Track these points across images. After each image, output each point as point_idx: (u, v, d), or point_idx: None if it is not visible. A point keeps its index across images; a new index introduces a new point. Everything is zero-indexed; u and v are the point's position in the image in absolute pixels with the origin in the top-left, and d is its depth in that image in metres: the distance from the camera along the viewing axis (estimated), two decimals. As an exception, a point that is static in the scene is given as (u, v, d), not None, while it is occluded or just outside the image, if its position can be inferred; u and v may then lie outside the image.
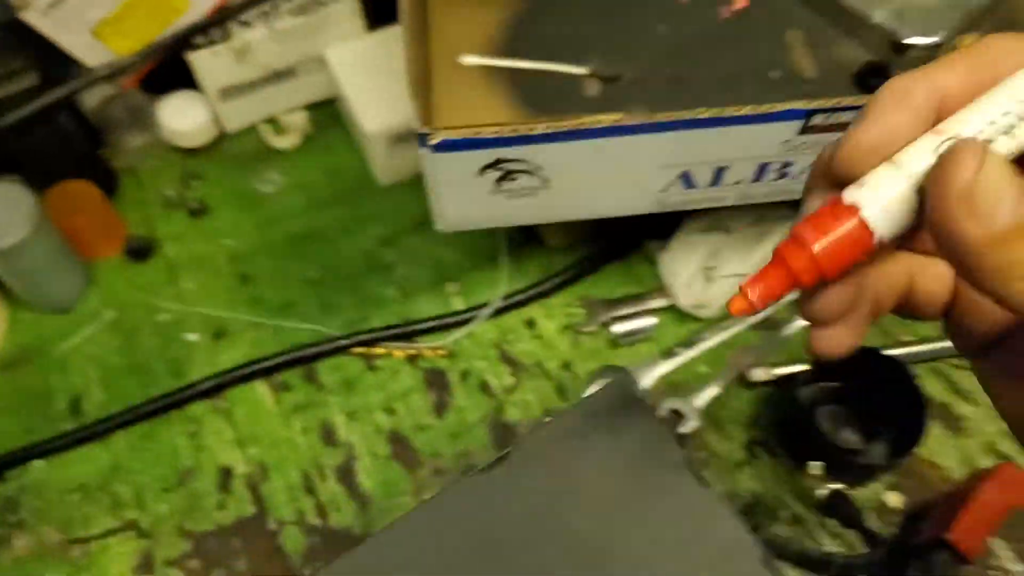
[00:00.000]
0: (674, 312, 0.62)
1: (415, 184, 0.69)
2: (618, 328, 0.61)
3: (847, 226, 0.21)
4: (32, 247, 0.57)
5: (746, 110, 0.44)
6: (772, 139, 0.47)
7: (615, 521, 0.35)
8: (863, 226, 0.21)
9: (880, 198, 0.21)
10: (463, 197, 0.49)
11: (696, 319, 0.62)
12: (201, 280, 0.65)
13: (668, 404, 0.58)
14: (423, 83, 0.50)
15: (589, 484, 0.36)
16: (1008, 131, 0.20)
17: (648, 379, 0.59)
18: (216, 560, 0.54)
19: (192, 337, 0.62)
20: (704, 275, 0.61)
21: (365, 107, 0.64)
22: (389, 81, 0.65)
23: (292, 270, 0.65)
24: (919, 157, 0.20)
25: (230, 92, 0.67)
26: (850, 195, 0.21)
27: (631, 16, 0.59)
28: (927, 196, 0.20)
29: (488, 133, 0.45)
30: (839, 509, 0.50)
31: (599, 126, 0.45)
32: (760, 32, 0.59)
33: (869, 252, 0.21)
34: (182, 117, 0.67)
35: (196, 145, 0.69)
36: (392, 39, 0.66)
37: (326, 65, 0.66)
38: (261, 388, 0.60)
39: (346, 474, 0.57)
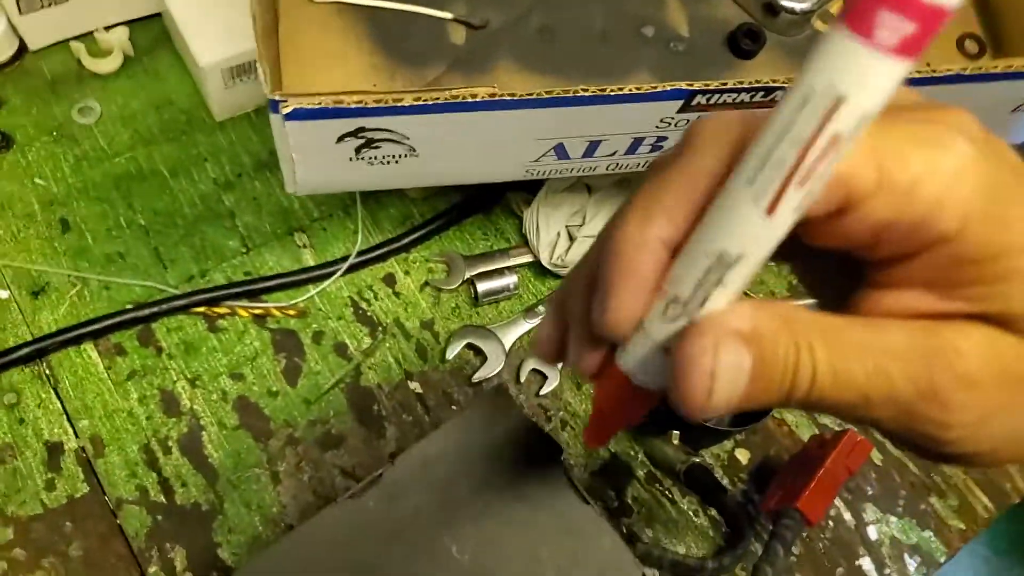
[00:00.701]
0: (536, 267, 0.61)
1: (255, 119, 0.63)
2: (481, 286, 0.59)
3: (620, 383, 0.25)
4: None
5: (629, 89, 0.42)
6: (652, 116, 0.45)
7: (494, 541, 0.35)
8: (628, 381, 0.25)
9: (636, 358, 0.24)
10: (319, 163, 0.45)
11: (557, 276, 0.62)
12: (11, 226, 0.57)
13: (530, 364, 0.58)
14: (271, 31, 0.44)
15: (468, 504, 0.36)
16: (718, 283, 0.21)
17: (511, 338, 0.59)
18: (45, 547, 0.50)
19: (3, 294, 0.55)
20: (568, 234, 0.60)
21: (198, 35, 0.56)
22: (224, 2, 0.57)
23: (119, 216, 0.58)
24: (657, 326, 0.23)
25: (32, 2, 0.57)
26: (619, 360, 0.25)
27: (501, -45, 0.55)
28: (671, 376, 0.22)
29: (350, 102, 0.40)
30: (699, 484, 0.52)
31: (473, 100, 0.41)
32: (634, -19, 0.56)
33: (638, 391, 0.25)
34: (-29, 30, 0.57)
35: (-8, 64, 0.59)
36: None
37: (151, -23, 0.58)
38: (90, 352, 0.55)
39: (191, 446, 0.53)
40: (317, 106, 0.40)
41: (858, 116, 0.18)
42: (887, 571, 0.56)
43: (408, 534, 0.34)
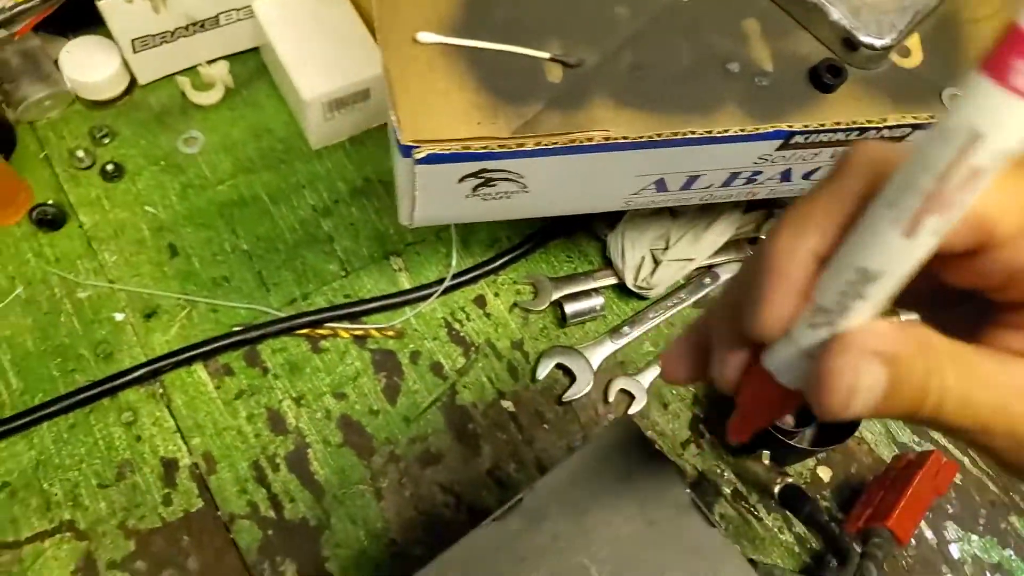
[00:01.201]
0: (620, 289, 0.64)
1: (350, 148, 0.65)
2: (568, 307, 0.61)
3: (764, 383, 0.27)
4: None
5: (734, 131, 0.44)
6: (751, 154, 0.47)
7: (628, 563, 0.37)
8: (771, 381, 0.26)
9: (781, 359, 0.26)
10: (439, 200, 0.47)
11: (640, 298, 0.64)
12: (124, 252, 0.59)
13: (618, 384, 0.60)
14: (400, 80, 0.47)
15: (601, 527, 0.37)
16: (859, 297, 0.23)
17: (598, 359, 0.61)
18: (164, 560, 0.52)
19: (119, 317, 0.58)
20: (652, 257, 0.62)
21: (301, 69, 0.59)
22: (323, 39, 0.60)
23: (224, 241, 0.61)
24: (802, 332, 0.25)
25: (145, 42, 0.60)
26: (765, 361, 0.27)
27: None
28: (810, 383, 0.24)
29: (477, 147, 0.43)
30: (793, 502, 0.53)
31: (589, 143, 0.43)
32: (718, 18, 0.58)
33: (779, 391, 0.27)
34: (88, 67, 0.60)
35: (105, 98, 0.62)
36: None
37: (252, 15, 0.60)
38: (200, 372, 0.57)
39: (298, 463, 0.55)
40: (446, 151, 0.42)
41: (993, 152, 0.19)
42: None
43: (550, 556, 0.36)
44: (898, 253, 0.21)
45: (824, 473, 0.60)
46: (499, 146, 0.42)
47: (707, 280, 0.65)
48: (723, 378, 0.29)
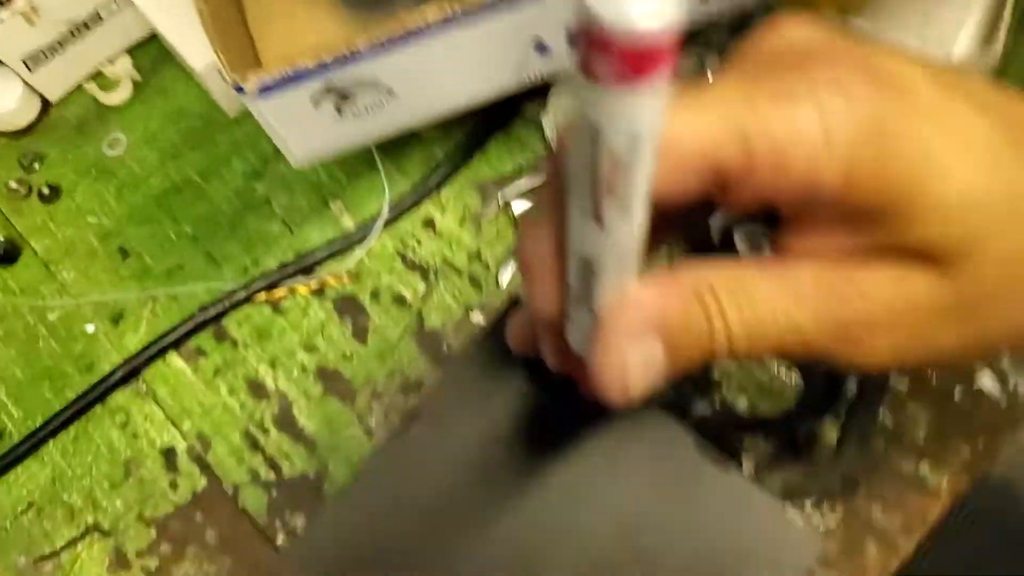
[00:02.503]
0: (567, 172, 0.61)
1: (270, 104, 0.64)
2: (518, 206, 0.59)
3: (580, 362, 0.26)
4: None
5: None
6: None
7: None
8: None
9: (576, 340, 0.26)
10: (309, 131, 0.46)
11: (591, 174, 0.60)
12: (79, 267, 0.61)
13: (581, 269, 0.58)
14: (223, 18, 0.45)
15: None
16: (594, 278, 0.22)
17: (556, 249, 0.58)
18: (184, 539, 0.54)
19: (90, 328, 0.60)
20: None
21: (186, 42, 0.58)
22: (204, 1, 0.59)
23: (167, 231, 0.61)
24: (574, 311, 0.25)
25: (37, 59, 0.60)
26: (569, 339, 0.26)
27: None
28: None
29: (307, 64, 0.41)
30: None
31: (426, 24, 0.41)
32: None
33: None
34: (-4, 98, 0.61)
35: (23, 125, 0.63)
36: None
37: (131, 2, 0.59)
38: (176, 360, 0.59)
39: (286, 422, 0.57)
40: (278, 77, 0.41)
41: (621, 138, 0.18)
42: (1011, 385, 0.52)
43: (459, 458, 0.36)
44: (600, 237, 0.21)
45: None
46: (331, 56, 0.40)
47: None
48: (549, 359, 0.29)
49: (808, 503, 0.49)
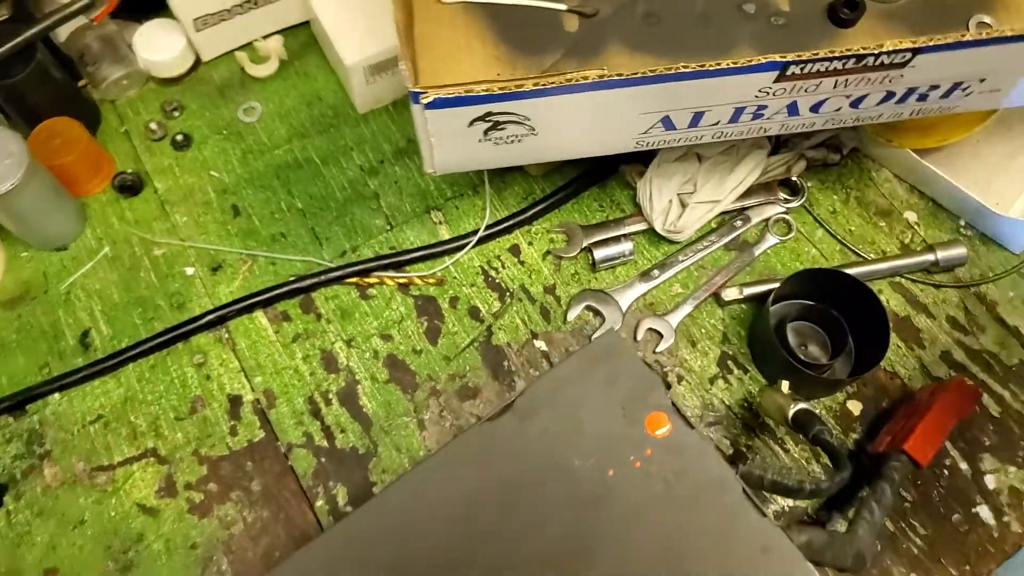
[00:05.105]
0: (650, 234, 0.66)
1: (393, 111, 0.70)
2: (598, 253, 0.64)
3: None
4: (26, 189, 0.58)
5: (726, 63, 0.46)
6: (750, 87, 0.49)
7: (609, 455, 0.40)
8: None
9: None
10: (453, 146, 0.51)
11: (670, 242, 0.66)
12: (193, 213, 0.66)
13: (646, 324, 0.63)
14: (409, 32, 0.51)
15: (586, 425, 0.41)
16: None
17: (627, 301, 0.63)
18: (232, 483, 0.58)
19: (190, 271, 0.65)
20: (679, 201, 0.64)
21: (342, 37, 0.64)
22: (364, 7, 0.65)
23: (280, 201, 0.67)
24: None
25: (205, 20, 0.66)
26: None
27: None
28: None
29: (479, 90, 0.46)
30: (807, 427, 0.54)
31: (584, 82, 0.46)
32: (736, -39, 0.60)
33: None
34: (158, 47, 0.66)
35: (174, 75, 0.69)
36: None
37: (301, -10, 0.66)
38: (261, 319, 0.63)
39: (348, 398, 0.61)
40: (451, 95, 0.46)
41: None
42: (1005, 518, 0.57)
43: (539, 451, 0.40)
44: None
45: (854, 407, 0.61)
46: (499, 88, 0.46)
47: (738, 222, 0.66)
48: None
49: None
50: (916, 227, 0.67)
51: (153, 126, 0.67)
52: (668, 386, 0.45)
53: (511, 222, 0.65)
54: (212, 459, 0.59)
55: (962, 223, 0.68)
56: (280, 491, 0.58)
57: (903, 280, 0.65)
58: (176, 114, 0.69)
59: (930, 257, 0.64)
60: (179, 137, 0.67)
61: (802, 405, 0.54)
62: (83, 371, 0.61)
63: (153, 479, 0.59)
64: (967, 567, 0.56)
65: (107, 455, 0.59)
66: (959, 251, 0.64)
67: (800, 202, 0.67)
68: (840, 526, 0.56)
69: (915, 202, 0.68)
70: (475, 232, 0.64)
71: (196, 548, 0.56)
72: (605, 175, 0.68)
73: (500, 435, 0.41)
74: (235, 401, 0.61)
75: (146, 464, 0.59)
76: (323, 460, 0.59)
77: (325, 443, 0.60)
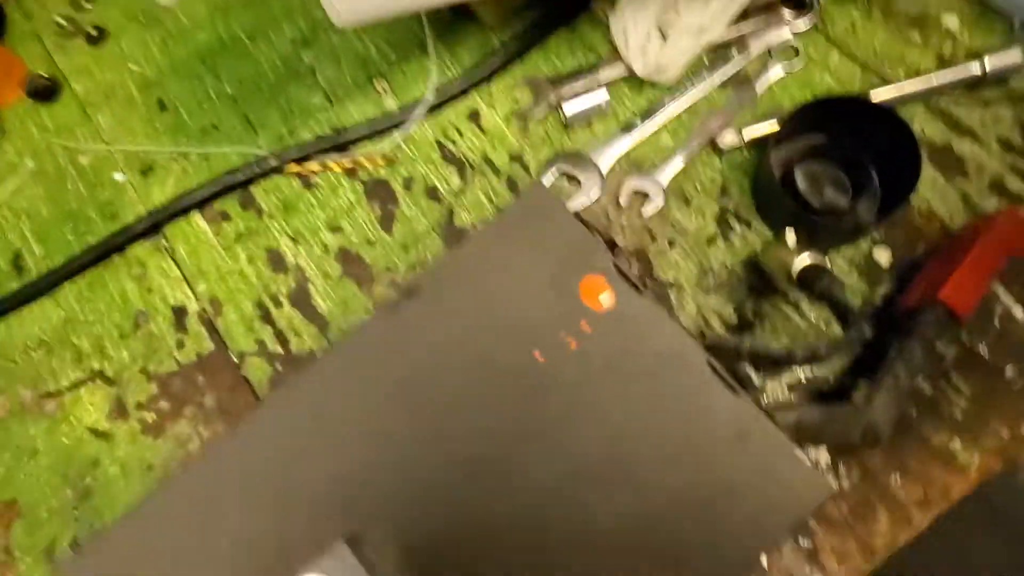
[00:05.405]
0: (630, 80, 0.56)
1: (329, -30, 0.61)
2: (568, 107, 0.55)
3: None
4: (-81, 104, 0.53)
5: None
6: None
7: (535, 339, 0.33)
8: None
9: None
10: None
11: (655, 86, 0.56)
12: (116, 114, 0.60)
13: (630, 185, 0.54)
14: None
15: (504, 305, 0.33)
16: None
17: (607, 161, 0.54)
18: (184, 399, 0.54)
19: (119, 177, 0.59)
20: (660, 34, 0.54)
21: None
22: None
23: (208, 89, 0.59)
24: None
25: None
26: None
27: None
28: None
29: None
30: (813, 283, 0.45)
31: None
32: None
33: None
34: (52, -72, 0.59)
35: (78, -41, 0.61)
36: None
37: None
38: (199, 221, 0.57)
39: (300, 298, 0.55)
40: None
41: None
42: (1071, 372, 0.47)
43: (451, 337, 0.33)
44: None
45: (882, 256, 0.51)
46: None
47: (734, 54, 0.56)
48: None
49: (824, 462, 0.46)
50: (958, 35, 0.55)
51: (61, 21, 0.60)
52: (613, 246, 0.37)
53: (465, 82, 0.56)
54: (161, 376, 0.54)
55: (1017, 23, 0.55)
56: (236, 403, 0.53)
57: (941, 102, 0.54)
58: (88, 5, 0.62)
59: (975, 66, 0.53)
60: (92, 31, 0.60)
61: (809, 260, 0.45)
62: (18, 295, 0.56)
63: (103, 402, 0.54)
64: (1022, 428, 0.46)
65: (53, 381, 0.55)
66: (1014, 55, 0.52)
67: (810, 22, 0.56)
68: (862, 387, 0.47)
69: (955, 2, 0.56)
70: (422, 101, 0.56)
71: (153, 469, 0.52)
72: (574, 13, 0.58)
73: (400, 326, 0.33)
74: (180, 312, 0.55)
75: (94, 388, 0.55)
76: (278, 367, 0.53)
77: (280, 349, 0.54)
